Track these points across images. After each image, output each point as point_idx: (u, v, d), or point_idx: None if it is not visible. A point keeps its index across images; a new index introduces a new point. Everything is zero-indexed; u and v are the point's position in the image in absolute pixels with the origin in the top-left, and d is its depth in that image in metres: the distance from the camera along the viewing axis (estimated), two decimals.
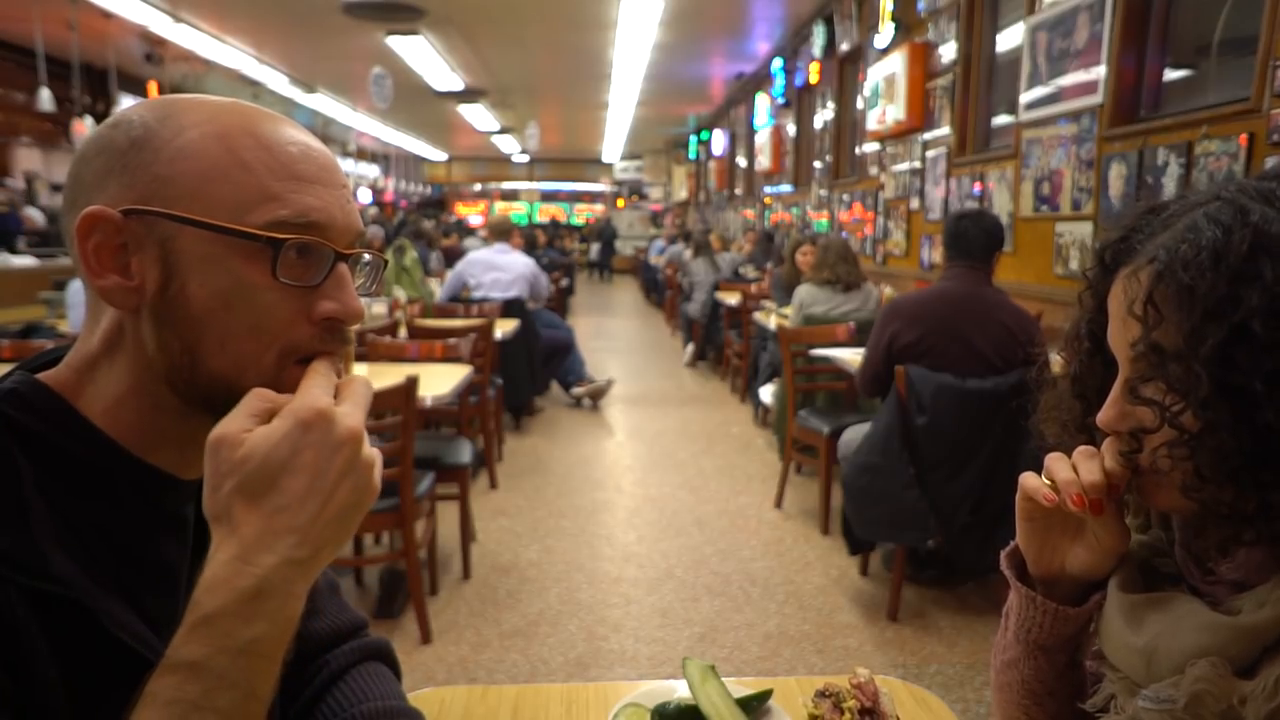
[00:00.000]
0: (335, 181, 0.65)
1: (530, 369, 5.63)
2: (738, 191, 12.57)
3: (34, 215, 7.49)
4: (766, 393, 5.24)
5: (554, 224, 20.07)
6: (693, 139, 16.11)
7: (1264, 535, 0.61)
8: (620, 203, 22.94)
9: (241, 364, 0.62)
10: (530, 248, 8.06)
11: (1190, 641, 0.63)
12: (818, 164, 7.91)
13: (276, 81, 10.54)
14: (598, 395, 6.33)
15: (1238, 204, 0.62)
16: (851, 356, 3.52)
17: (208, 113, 0.63)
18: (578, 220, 23.82)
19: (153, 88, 9.68)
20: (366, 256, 0.68)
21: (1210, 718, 0.60)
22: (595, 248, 20.70)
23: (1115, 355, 0.69)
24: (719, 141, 13.45)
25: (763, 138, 9.68)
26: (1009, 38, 4.47)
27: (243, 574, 0.55)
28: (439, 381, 3.03)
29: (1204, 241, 0.61)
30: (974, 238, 2.82)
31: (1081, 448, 0.72)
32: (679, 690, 1.00)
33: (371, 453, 0.60)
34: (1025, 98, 3.95)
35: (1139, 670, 0.66)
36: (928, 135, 5.19)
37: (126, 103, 8.62)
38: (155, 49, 8.63)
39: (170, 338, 0.61)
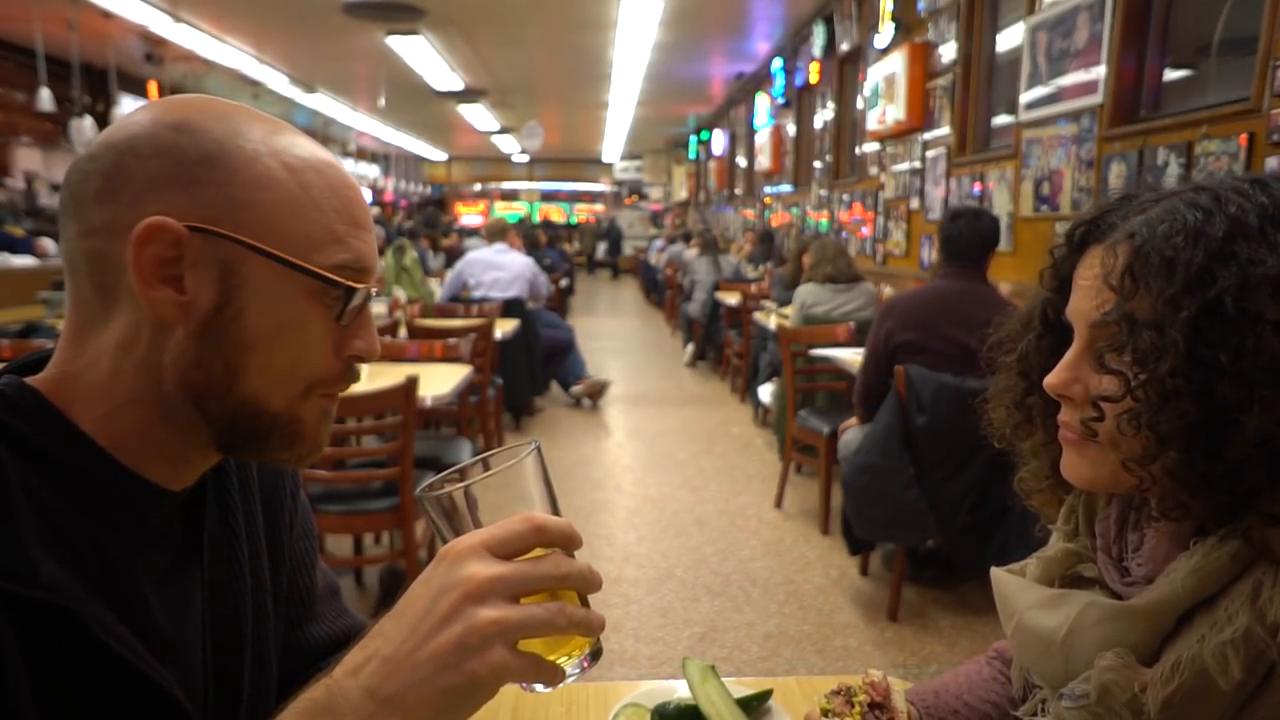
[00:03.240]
0: (373, 225, 0.68)
1: (530, 369, 5.63)
2: (738, 191, 12.57)
3: (48, 245, 7.51)
4: (766, 393, 5.25)
5: (547, 224, 20.22)
6: (693, 139, 16.11)
7: (1209, 506, 0.63)
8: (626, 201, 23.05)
9: (275, 389, 0.63)
10: (532, 248, 8.06)
11: (1096, 634, 0.66)
12: (818, 164, 7.91)
13: (276, 81, 10.53)
14: (595, 393, 6.33)
15: (1215, 193, 0.66)
16: (852, 357, 3.52)
17: (275, 138, 0.63)
18: (577, 220, 23.92)
19: (153, 88, 9.68)
20: (374, 292, 0.70)
21: (1119, 708, 0.62)
22: (602, 247, 21.46)
23: (1074, 325, 0.72)
24: (719, 141, 13.45)
25: (763, 138, 9.68)
26: (1009, 38, 4.47)
27: (323, 686, 0.55)
28: (439, 381, 3.03)
29: (1185, 221, 0.64)
30: (968, 240, 2.83)
31: None
32: (679, 690, 1.00)
33: (504, 618, 0.53)
34: (1025, 98, 3.95)
35: (1059, 672, 0.69)
36: (928, 135, 5.18)
37: (127, 102, 8.63)
38: (155, 49, 8.63)
39: (213, 357, 0.61)
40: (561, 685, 0.58)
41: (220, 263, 0.60)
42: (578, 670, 0.58)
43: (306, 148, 0.65)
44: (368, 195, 16.84)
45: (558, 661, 0.58)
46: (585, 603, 0.59)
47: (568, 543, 0.58)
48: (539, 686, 0.57)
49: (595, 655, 0.60)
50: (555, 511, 0.60)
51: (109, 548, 0.61)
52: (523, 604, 0.55)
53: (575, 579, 0.57)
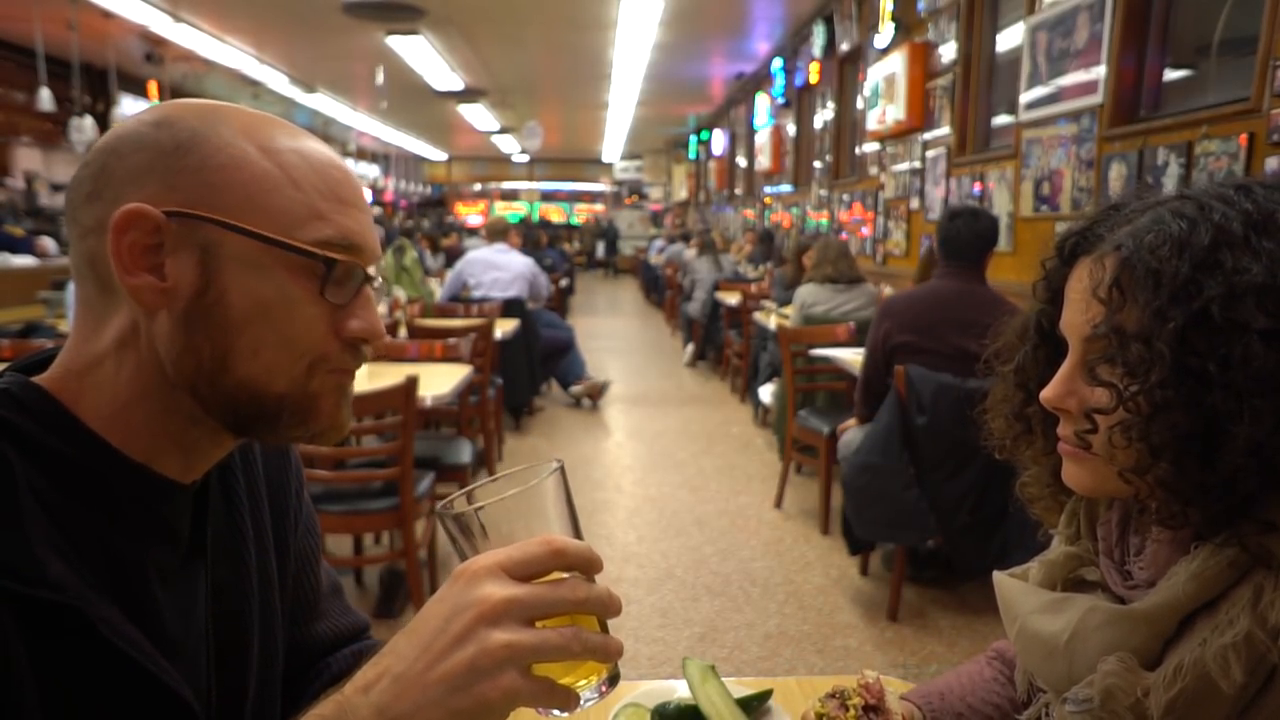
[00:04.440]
0: (367, 206, 0.67)
1: (530, 369, 5.63)
2: (738, 191, 12.57)
3: (48, 245, 7.51)
4: (766, 393, 5.25)
5: (546, 224, 20.42)
6: (693, 139, 16.10)
7: (1205, 515, 0.63)
8: (627, 201, 23.22)
9: (272, 372, 0.62)
10: (534, 248, 8.06)
11: (1099, 639, 0.66)
12: (818, 164, 7.91)
13: (276, 81, 10.53)
14: (596, 394, 6.33)
15: (1200, 202, 0.65)
16: (852, 357, 3.52)
17: (254, 125, 0.63)
18: (578, 220, 24.03)
19: (153, 88, 9.68)
20: (379, 280, 0.69)
21: (1123, 712, 0.62)
22: (600, 245, 22.00)
23: (1067, 338, 0.72)
24: (719, 141, 13.45)
25: (763, 138, 9.68)
26: (1009, 38, 4.47)
27: (333, 702, 0.55)
28: (439, 381, 3.03)
29: (1171, 232, 0.64)
30: (966, 240, 2.83)
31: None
32: (679, 690, 1.00)
33: (518, 642, 0.53)
34: (1025, 98, 3.95)
35: (1062, 677, 0.69)
36: (928, 135, 5.18)
37: (127, 103, 8.62)
38: (155, 49, 8.62)
39: (201, 342, 0.61)
40: (578, 710, 0.57)
41: (200, 246, 0.60)
42: (595, 696, 0.57)
43: (289, 134, 0.64)
44: (367, 195, 16.93)
45: (574, 686, 0.57)
46: (604, 628, 0.58)
47: (587, 567, 0.57)
48: (555, 711, 0.56)
49: (613, 680, 0.59)
50: (577, 534, 0.59)
51: (116, 545, 0.61)
52: (538, 628, 0.54)
53: (593, 604, 0.56)
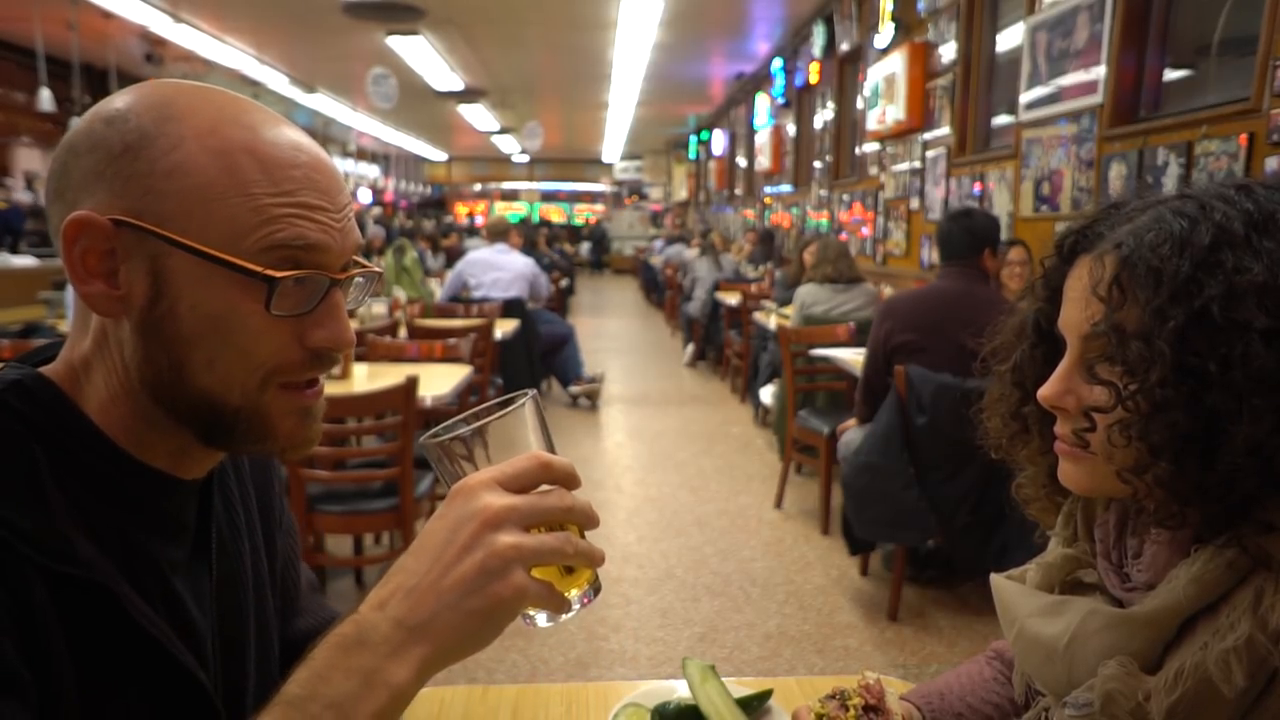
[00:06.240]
0: (336, 204, 0.63)
1: (530, 369, 5.64)
2: (738, 191, 12.57)
3: (23, 200, 7.50)
4: (766, 393, 5.25)
5: (546, 224, 20.61)
6: (693, 139, 16.11)
7: (1204, 515, 0.63)
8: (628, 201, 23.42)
9: (228, 384, 0.61)
10: (531, 248, 8.07)
11: (1098, 642, 0.66)
12: (818, 164, 7.91)
13: (276, 81, 10.53)
14: (594, 393, 6.34)
15: (1201, 201, 0.65)
16: (852, 357, 3.53)
17: (208, 121, 0.59)
18: (577, 220, 24.12)
19: None
20: (360, 279, 0.66)
21: (1124, 716, 0.62)
22: (586, 246, 22.50)
23: (1065, 337, 0.71)
24: (719, 141, 13.45)
25: (763, 138, 9.68)
26: (1009, 38, 4.47)
27: (351, 621, 0.56)
28: (439, 381, 3.03)
29: (1171, 230, 0.64)
30: (957, 238, 2.85)
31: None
32: (679, 690, 1.00)
33: (521, 544, 0.56)
34: (1025, 98, 3.95)
35: (1061, 680, 0.69)
36: (928, 135, 5.18)
37: None
38: (155, 49, 8.62)
39: (157, 352, 0.60)
40: (564, 619, 0.61)
41: (149, 256, 0.58)
42: (580, 604, 0.62)
43: (247, 128, 0.61)
44: (366, 195, 16.87)
45: (565, 593, 0.61)
46: (584, 538, 0.62)
47: (569, 480, 0.60)
48: (542, 619, 0.60)
49: (596, 590, 0.63)
50: (554, 453, 0.63)
51: (132, 536, 0.62)
52: (534, 533, 0.57)
53: (579, 513, 0.60)
